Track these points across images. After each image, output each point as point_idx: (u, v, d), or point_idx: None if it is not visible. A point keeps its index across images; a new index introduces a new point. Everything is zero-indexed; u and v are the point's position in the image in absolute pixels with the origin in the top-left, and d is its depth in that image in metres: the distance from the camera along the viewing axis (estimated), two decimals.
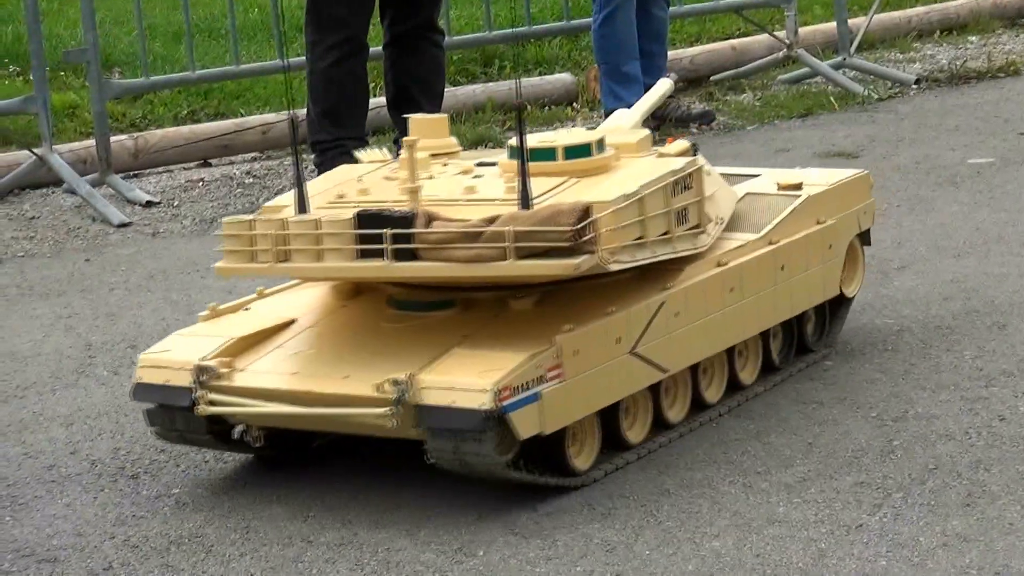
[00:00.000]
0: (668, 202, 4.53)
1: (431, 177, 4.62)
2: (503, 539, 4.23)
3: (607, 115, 8.20)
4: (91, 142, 8.09)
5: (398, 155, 4.91)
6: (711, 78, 9.66)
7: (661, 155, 4.79)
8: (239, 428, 4.60)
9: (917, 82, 9.30)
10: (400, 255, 4.22)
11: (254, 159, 8.46)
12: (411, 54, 7.34)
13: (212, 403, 4.43)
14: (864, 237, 5.48)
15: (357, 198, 4.50)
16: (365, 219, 4.25)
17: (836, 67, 9.46)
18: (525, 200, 4.19)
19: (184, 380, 4.47)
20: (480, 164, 4.72)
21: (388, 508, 4.44)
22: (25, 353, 5.75)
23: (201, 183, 8.11)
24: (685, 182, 4.62)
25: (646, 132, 4.96)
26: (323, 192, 4.62)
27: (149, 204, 7.67)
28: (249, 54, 8.86)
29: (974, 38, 10.47)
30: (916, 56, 10.10)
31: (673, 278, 4.65)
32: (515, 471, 4.30)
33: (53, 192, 7.95)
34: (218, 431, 4.57)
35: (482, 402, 4.08)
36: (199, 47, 8.91)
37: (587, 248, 4.15)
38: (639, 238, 4.42)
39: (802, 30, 9.87)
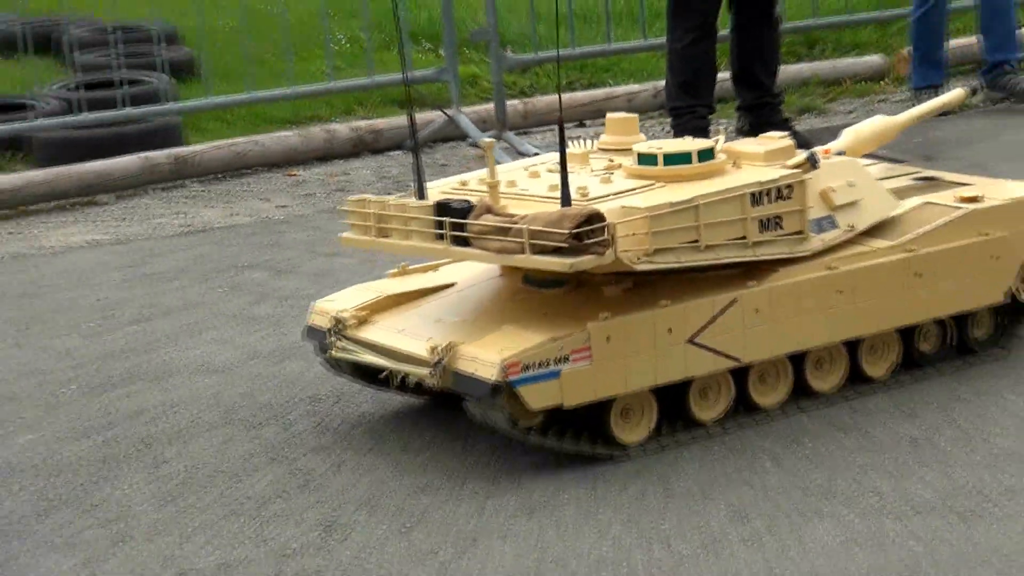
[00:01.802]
0: (746, 210, 4.22)
1: (573, 172, 4.28)
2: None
3: (915, 92, 8.14)
4: (490, 105, 8.33)
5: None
6: None
7: (792, 164, 4.40)
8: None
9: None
10: (457, 241, 4.09)
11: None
12: (753, 37, 7.36)
13: (340, 349, 4.40)
14: None
15: (476, 187, 4.29)
16: (439, 208, 4.12)
17: None
18: (565, 200, 3.98)
19: (325, 325, 4.45)
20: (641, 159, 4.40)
21: None
22: None
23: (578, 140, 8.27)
24: (779, 192, 4.30)
25: (785, 143, 4.54)
26: (462, 179, 4.47)
27: (536, 155, 7.77)
28: (617, 35, 8.99)
29: None
30: None
31: (762, 277, 4.32)
32: (544, 436, 4.12)
33: (459, 145, 8.17)
34: (370, 373, 4.49)
35: (491, 374, 3.93)
36: (576, 29, 9.07)
37: (592, 249, 3.91)
38: (693, 241, 4.14)
39: None
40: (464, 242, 4.08)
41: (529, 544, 3.74)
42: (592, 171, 4.41)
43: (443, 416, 4.51)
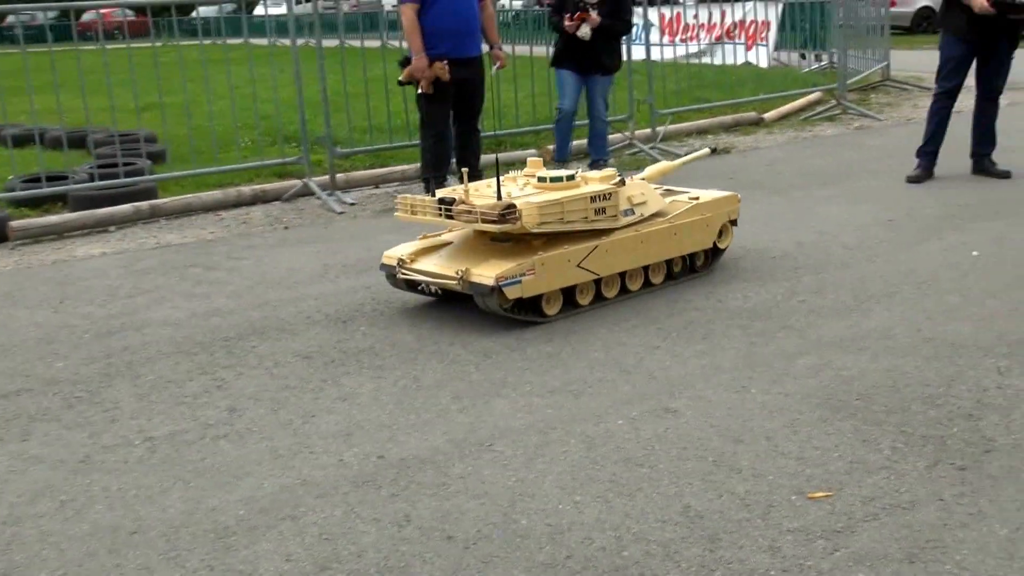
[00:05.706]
0: (587, 205, 4.45)
1: (507, 185, 4.54)
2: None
3: (557, 163, 7.95)
4: (327, 177, 8.10)
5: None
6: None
7: (612, 184, 4.57)
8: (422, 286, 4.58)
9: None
10: (447, 216, 4.34)
11: (397, 189, 8.47)
12: (467, 138, 7.35)
13: (403, 274, 4.58)
14: (734, 222, 5.15)
15: (462, 190, 4.42)
16: (439, 199, 4.39)
17: (650, 148, 9.38)
18: (499, 197, 4.32)
19: (393, 263, 4.62)
20: (539, 180, 4.54)
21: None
22: (296, 267, 5.79)
23: (374, 195, 8.16)
24: (604, 196, 4.50)
25: (612, 172, 4.72)
26: (468, 185, 4.48)
27: (351, 204, 7.68)
28: (396, 138, 8.87)
29: (711, 136, 10.35)
30: (687, 144, 9.83)
31: (607, 236, 4.56)
32: (513, 312, 4.33)
33: (309, 198, 7.95)
34: (414, 285, 4.62)
35: (489, 282, 4.22)
36: (373, 134, 8.92)
37: (510, 221, 4.19)
38: (561, 218, 4.37)
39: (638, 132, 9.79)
40: (451, 217, 4.32)
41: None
42: (517, 184, 4.63)
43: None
